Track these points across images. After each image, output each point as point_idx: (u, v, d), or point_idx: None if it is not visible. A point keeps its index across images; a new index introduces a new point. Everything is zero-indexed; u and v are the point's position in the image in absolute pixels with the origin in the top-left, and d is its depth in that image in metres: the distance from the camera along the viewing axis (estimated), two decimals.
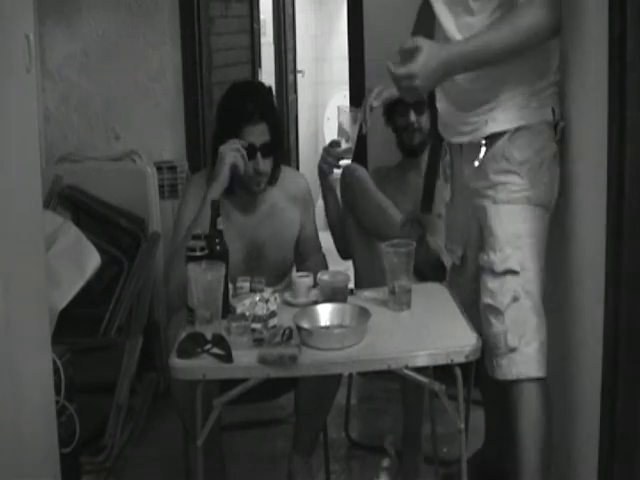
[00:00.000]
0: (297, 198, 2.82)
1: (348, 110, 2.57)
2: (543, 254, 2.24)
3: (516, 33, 2.12)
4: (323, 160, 2.70)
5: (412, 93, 2.14)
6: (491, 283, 2.23)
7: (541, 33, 2.13)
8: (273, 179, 2.73)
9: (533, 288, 2.22)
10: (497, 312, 2.21)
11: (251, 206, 2.74)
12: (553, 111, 2.24)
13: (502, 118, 2.22)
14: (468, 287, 2.43)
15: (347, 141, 2.58)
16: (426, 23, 2.40)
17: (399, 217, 2.83)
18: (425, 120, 3.11)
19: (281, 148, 2.76)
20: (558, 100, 2.26)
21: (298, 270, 2.81)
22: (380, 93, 2.50)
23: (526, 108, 2.22)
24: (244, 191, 2.70)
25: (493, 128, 2.23)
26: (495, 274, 2.22)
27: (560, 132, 2.24)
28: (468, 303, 2.38)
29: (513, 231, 2.22)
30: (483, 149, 2.24)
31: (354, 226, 2.85)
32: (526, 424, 2.20)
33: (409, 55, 2.08)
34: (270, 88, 2.83)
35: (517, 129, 2.22)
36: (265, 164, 2.64)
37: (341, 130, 2.59)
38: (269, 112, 2.67)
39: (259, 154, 2.61)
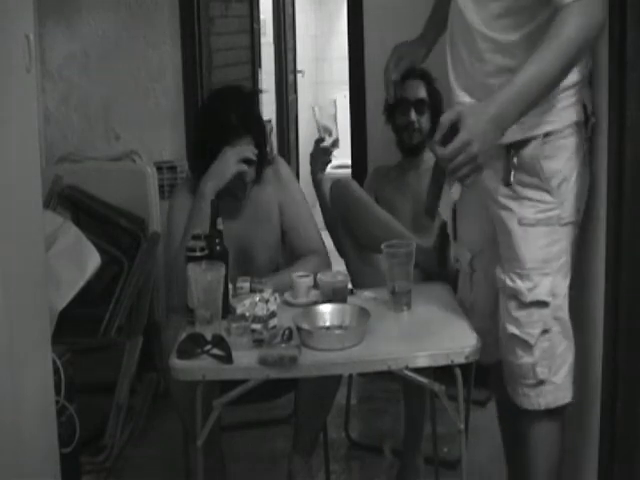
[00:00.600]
0: (278, 182, 2.77)
1: (323, 107, 2.66)
2: (570, 271, 2.08)
3: (564, 51, 1.83)
4: (314, 159, 2.71)
5: (472, 166, 1.84)
6: (516, 312, 2.07)
7: (595, 32, 1.85)
8: (256, 182, 2.73)
9: (562, 313, 2.07)
10: (525, 345, 2.07)
11: (237, 211, 2.73)
12: (584, 108, 2.00)
13: (527, 122, 1.94)
14: (468, 290, 2.33)
15: (330, 135, 2.64)
16: (442, 6, 2.20)
17: (400, 226, 2.80)
18: (425, 120, 3.11)
19: (265, 152, 2.76)
20: (590, 93, 2.03)
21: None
22: (397, 63, 2.33)
23: (553, 110, 1.97)
24: (229, 197, 2.70)
25: (515, 136, 1.96)
26: (522, 304, 2.06)
27: (590, 130, 2.03)
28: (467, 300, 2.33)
29: (541, 256, 2.03)
30: (515, 160, 2.00)
31: (347, 238, 2.84)
32: (540, 451, 2.12)
33: (453, 130, 1.84)
34: (254, 92, 2.82)
35: (544, 135, 1.98)
36: (251, 172, 2.65)
37: (322, 127, 2.64)
38: (254, 123, 2.67)
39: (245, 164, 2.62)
